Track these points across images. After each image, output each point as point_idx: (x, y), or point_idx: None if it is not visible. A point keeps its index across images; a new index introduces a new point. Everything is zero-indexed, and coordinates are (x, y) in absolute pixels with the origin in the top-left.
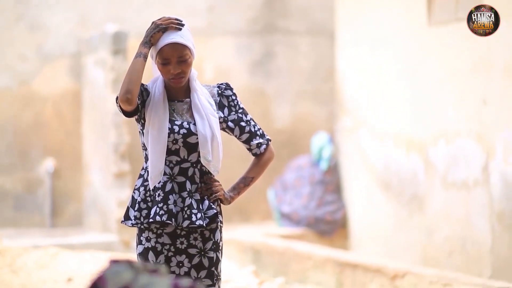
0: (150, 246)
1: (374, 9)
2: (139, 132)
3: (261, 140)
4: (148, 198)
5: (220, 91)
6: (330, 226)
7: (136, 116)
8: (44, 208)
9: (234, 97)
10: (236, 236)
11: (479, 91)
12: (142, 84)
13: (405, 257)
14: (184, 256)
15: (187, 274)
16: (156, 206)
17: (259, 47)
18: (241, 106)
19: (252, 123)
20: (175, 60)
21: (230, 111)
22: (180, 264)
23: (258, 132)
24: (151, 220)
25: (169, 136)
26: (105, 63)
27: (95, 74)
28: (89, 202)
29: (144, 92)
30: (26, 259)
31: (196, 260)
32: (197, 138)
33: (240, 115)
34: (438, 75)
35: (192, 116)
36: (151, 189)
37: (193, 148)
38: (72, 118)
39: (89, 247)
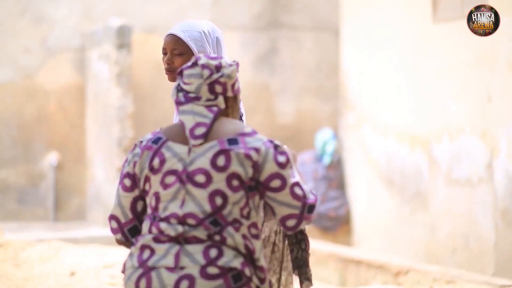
0: None
1: (379, 5)
2: None
3: None
4: None
5: None
6: (333, 222)
7: None
8: (47, 202)
9: None
10: None
11: (483, 87)
12: None
13: (408, 253)
14: None
15: None
16: None
17: (264, 42)
18: None
19: None
20: (170, 52)
21: None
22: None
23: None
24: None
25: None
26: (109, 57)
27: (99, 68)
28: (93, 196)
29: None
30: (29, 252)
31: None
32: None
33: None
34: (442, 71)
35: None
36: None
37: None
38: (75, 112)
39: (92, 241)
